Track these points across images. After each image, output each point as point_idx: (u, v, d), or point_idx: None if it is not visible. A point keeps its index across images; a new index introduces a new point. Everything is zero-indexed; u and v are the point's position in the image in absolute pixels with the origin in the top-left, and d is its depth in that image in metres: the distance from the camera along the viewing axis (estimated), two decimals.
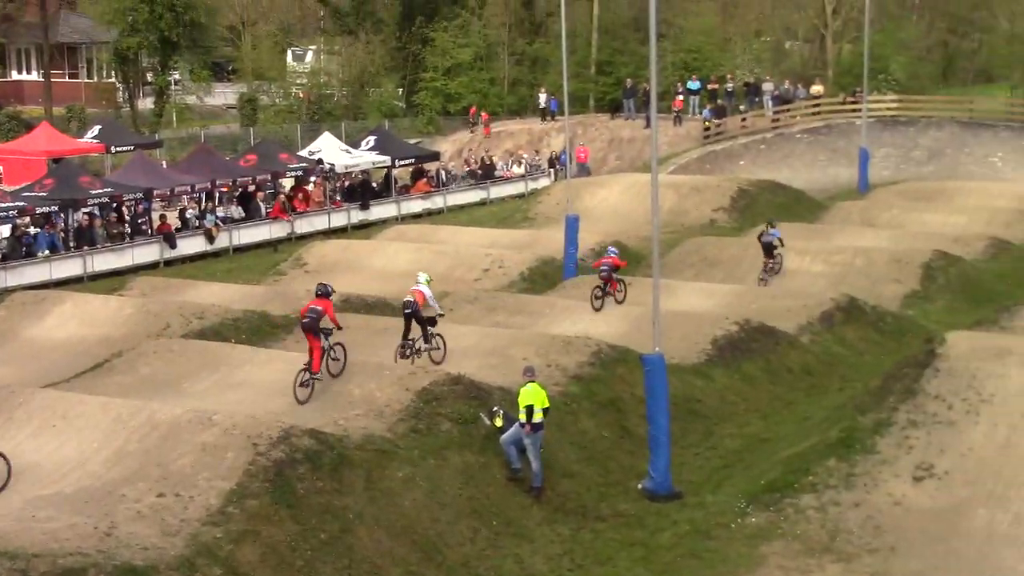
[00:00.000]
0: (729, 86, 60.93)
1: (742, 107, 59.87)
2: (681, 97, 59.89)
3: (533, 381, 19.93)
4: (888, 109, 57.42)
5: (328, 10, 79.97)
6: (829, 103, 58.81)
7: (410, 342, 24.37)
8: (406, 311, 24.25)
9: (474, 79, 70.01)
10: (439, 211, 50.82)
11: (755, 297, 30.75)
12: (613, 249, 31.11)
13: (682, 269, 34.87)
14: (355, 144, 51.35)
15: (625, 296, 29.85)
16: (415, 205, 50.46)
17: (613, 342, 25.22)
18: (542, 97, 63.28)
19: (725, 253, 36.36)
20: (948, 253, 34.76)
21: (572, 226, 34.53)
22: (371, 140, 51.20)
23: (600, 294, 29.61)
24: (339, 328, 22.40)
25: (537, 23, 74.64)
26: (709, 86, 60.61)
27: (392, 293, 33.23)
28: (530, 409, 19.42)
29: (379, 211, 48.62)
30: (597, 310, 29.34)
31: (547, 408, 19.82)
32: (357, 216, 47.65)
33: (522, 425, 19.54)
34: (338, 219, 46.98)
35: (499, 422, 20.44)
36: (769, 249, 34.10)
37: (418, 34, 70.71)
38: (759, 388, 25.46)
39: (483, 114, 64.27)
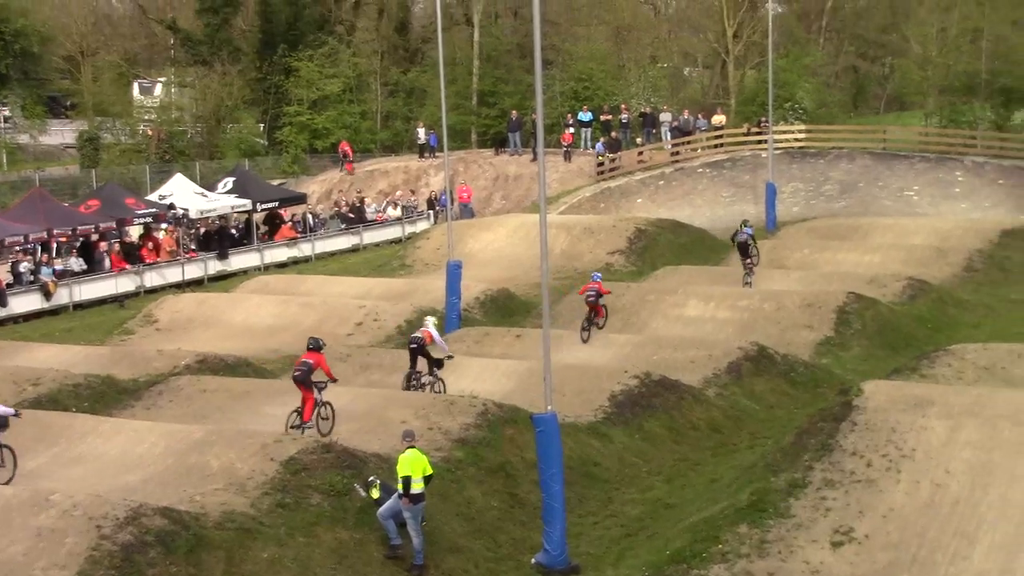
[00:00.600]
0: (624, 117, 61.58)
1: (638, 140, 60.53)
2: (571, 130, 60.51)
3: (413, 446, 19.79)
4: (796, 140, 58.39)
5: (179, 38, 79.45)
6: (732, 134, 59.51)
7: (417, 373, 26.97)
8: (412, 346, 26.97)
9: (343, 112, 70.06)
10: (306, 259, 50.64)
11: (656, 348, 30.97)
12: (597, 274, 33.83)
13: (575, 318, 34.87)
14: (211, 186, 51.05)
15: (606, 322, 32.56)
16: (279, 253, 50.21)
17: (500, 400, 25.20)
18: (420, 132, 62.91)
19: (622, 300, 36.57)
20: (863, 296, 35.32)
21: (454, 273, 34.58)
22: (229, 182, 50.95)
23: (587, 324, 31.88)
24: (334, 380, 24.27)
25: (412, 50, 75.04)
26: (602, 117, 61.23)
27: (256, 351, 32.97)
28: (407, 479, 19.27)
29: (239, 260, 48.36)
30: (585, 341, 31.46)
31: (429, 476, 19.67)
32: (214, 266, 47.29)
33: (400, 496, 19.39)
34: (193, 270, 46.55)
35: (376, 493, 20.26)
36: (745, 249, 37.64)
37: (280, 64, 70.61)
38: (662, 448, 25.58)
39: (347, 149, 63.73)
